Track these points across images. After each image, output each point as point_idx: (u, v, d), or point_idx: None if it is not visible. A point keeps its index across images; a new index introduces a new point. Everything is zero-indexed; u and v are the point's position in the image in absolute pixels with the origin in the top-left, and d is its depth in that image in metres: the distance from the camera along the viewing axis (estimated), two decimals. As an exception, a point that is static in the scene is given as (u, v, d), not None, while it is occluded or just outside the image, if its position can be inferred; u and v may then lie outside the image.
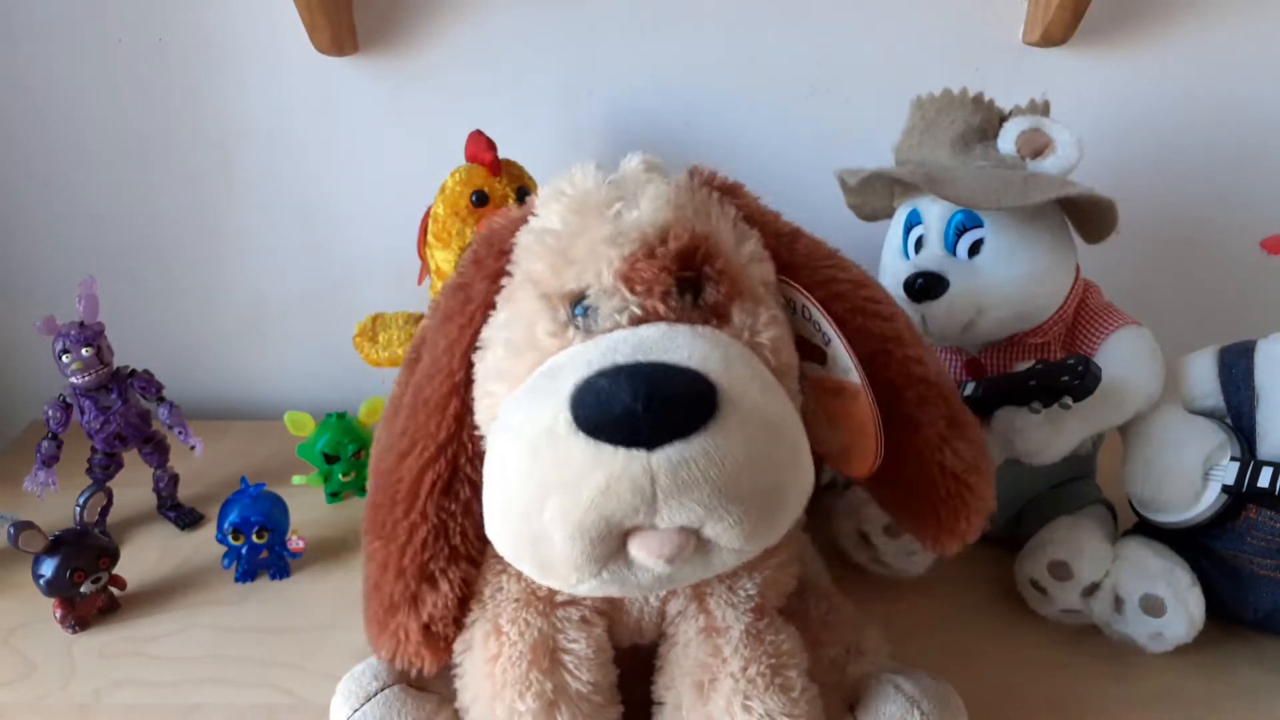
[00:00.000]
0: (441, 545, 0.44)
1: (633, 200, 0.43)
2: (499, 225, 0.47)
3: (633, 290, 0.41)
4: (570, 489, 0.36)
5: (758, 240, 0.46)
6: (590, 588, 0.39)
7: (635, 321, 0.41)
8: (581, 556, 0.37)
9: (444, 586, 0.44)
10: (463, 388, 0.44)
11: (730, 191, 0.48)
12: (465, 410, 0.44)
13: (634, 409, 0.35)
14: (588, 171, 0.45)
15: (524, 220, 0.46)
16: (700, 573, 0.41)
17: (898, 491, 0.50)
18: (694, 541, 0.38)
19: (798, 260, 0.47)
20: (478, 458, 0.44)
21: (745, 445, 0.37)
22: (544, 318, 0.42)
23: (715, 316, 0.42)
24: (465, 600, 0.46)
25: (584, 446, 0.36)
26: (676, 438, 0.36)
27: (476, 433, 0.44)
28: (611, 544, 0.37)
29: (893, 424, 0.46)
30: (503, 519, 0.39)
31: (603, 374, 0.37)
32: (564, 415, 0.37)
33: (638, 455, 0.35)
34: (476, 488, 0.43)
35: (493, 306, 0.45)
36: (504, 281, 0.45)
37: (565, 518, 0.36)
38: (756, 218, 0.47)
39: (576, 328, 0.41)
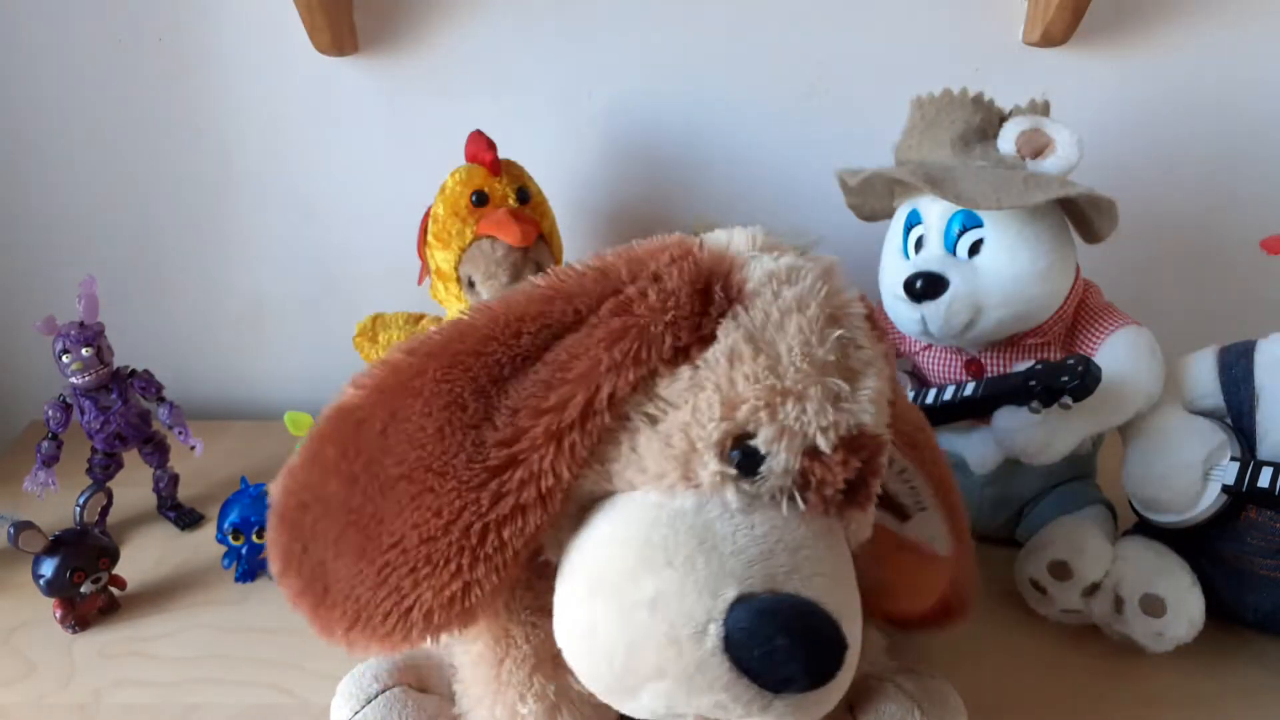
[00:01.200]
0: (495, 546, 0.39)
1: (854, 382, 0.39)
2: (703, 280, 0.40)
3: (807, 479, 0.39)
4: (690, 689, 0.36)
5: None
6: None
7: (792, 499, 0.39)
8: (651, 716, 0.39)
9: (490, 579, 0.38)
10: (592, 425, 0.39)
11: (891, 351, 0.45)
12: (586, 455, 0.40)
13: (800, 680, 0.36)
14: (817, 296, 0.40)
15: (731, 293, 0.40)
16: None
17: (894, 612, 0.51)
18: None
19: (896, 421, 0.44)
20: (565, 497, 0.40)
21: (841, 689, 0.39)
22: (713, 455, 0.38)
23: (845, 513, 0.41)
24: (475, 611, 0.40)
25: (725, 671, 0.36)
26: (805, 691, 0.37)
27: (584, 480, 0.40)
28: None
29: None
30: (600, 660, 0.38)
31: (776, 625, 0.36)
32: (717, 630, 0.36)
33: (766, 694, 0.36)
34: (549, 520, 0.39)
35: (665, 366, 0.40)
36: (685, 367, 0.39)
37: (668, 702, 0.37)
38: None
39: (738, 484, 0.38)
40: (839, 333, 0.40)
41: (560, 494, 0.39)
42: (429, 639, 0.39)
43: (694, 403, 0.39)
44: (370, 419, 0.41)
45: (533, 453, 0.38)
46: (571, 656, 0.40)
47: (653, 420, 0.39)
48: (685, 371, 0.39)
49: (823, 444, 0.38)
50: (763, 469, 0.38)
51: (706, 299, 0.40)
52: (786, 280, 0.40)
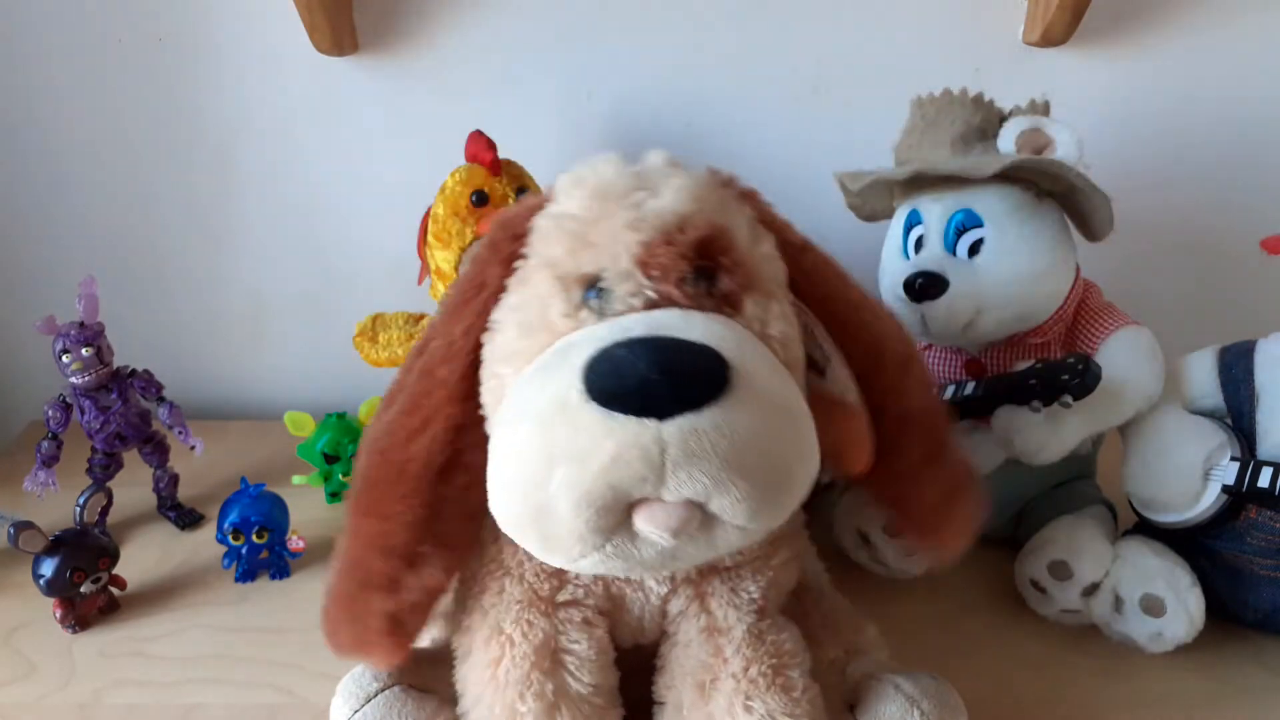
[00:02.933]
0: (431, 529, 0.44)
1: (654, 190, 0.43)
2: (516, 211, 0.47)
3: (649, 275, 0.41)
4: (580, 458, 0.36)
5: (772, 242, 0.46)
6: (593, 562, 0.39)
7: (649, 306, 0.41)
8: (586, 527, 0.37)
9: (425, 571, 0.44)
10: (474, 370, 0.44)
11: (745, 197, 0.48)
12: (474, 394, 0.44)
13: (649, 378, 0.36)
14: (610, 161, 0.45)
15: (540, 207, 0.46)
16: (704, 552, 0.40)
17: (888, 505, 0.51)
18: (699, 517, 0.38)
19: (802, 274, 0.47)
20: (478, 443, 0.43)
21: (754, 421, 0.37)
22: (558, 299, 0.42)
23: (728, 306, 0.42)
24: (436, 591, 0.45)
25: (596, 416, 0.36)
26: (688, 409, 0.36)
27: (480, 413, 0.44)
28: (617, 515, 0.37)
29: (877, 443, 0.47)
30: (509, 491, 0.39)
31: (619, 345, 0.37)
32: (576, 386, 0.37)
33: (649, 424, 0.36)
34: (471, 473, 0.43)
35: (503, 289, 0.45)
36: (518, 265, 0.44)
37: (573, 487, 0.36)
38: (769, 224, 0.47)
39: (590, 309, 0.41)
40: (631, 168, 0.44)
41: (441, 416, 0.44)
42: (399, 628, 0.44)
43: (529, 284, 0.43)
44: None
45: (420, 398, 0.44)
46: (496, 505, 0.40)
47: (513, 309, 0.43)
48: (519, 266, 0.44)
49: (639, 237, 0.41)
50: (604, 284, 0.41)
51: (514, 222, 0.46)
52: (584, 168, 0.45)
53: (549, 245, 0.43)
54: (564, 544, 0.38)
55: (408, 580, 0.43)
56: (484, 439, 0.43)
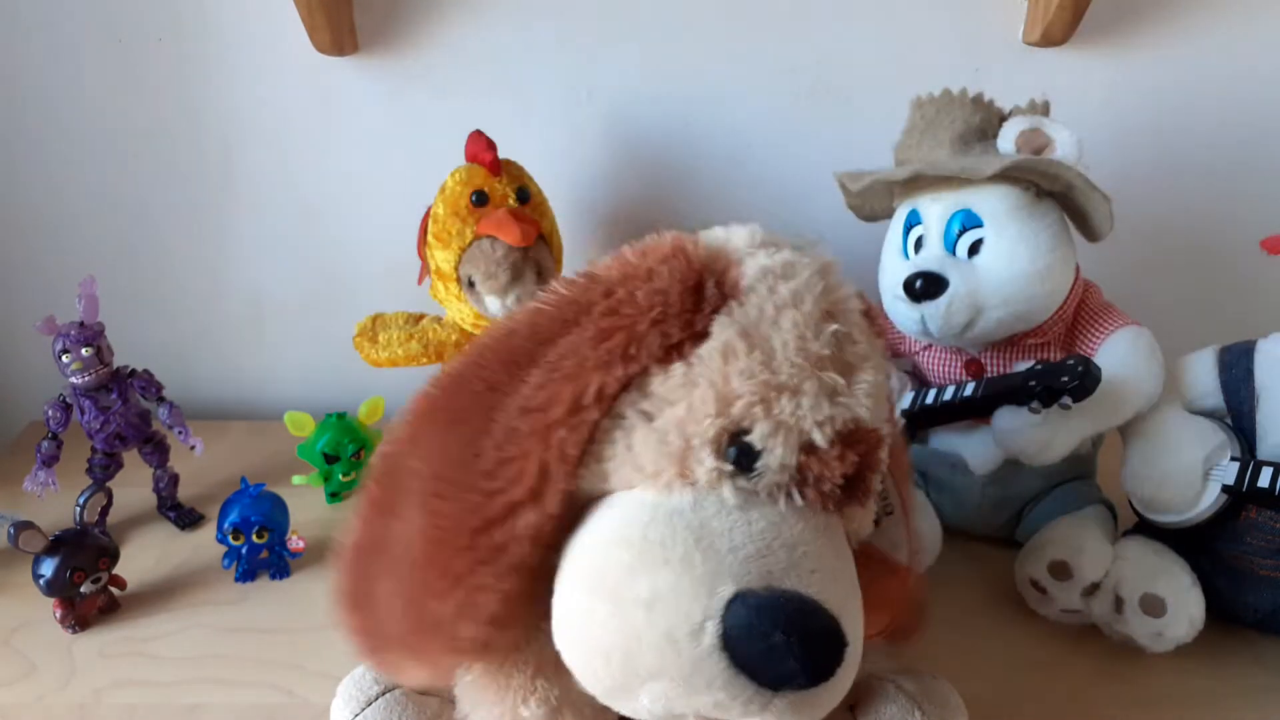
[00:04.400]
0: (531, 607, 0.40)
1: (850, 379, 0.39)
2: (694, 277, 0.40)
3: (804, 474, 0.39)
4: (688, 688, 0.36)
5: (893, 419, 0.43)
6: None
7: (789, 496, 0.39)
8: (652, 718, 0.39)
9: (497, 584, 0.38)
10: (590, 432, 0.39)
11: (880, 333, 0.44)
12: (577, 453, 0.39)
13: (798, 677, 0.36)
14: (814, 292, 0.40)
15: (726, 291, 0.40)
16: None
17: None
18: None
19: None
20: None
21: (846, 687, 0.38)
22: (708, 450, 0.38)
23: (842, 510, 0.41)
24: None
25: (723, 670, 0.36)
26: (804, 689, 0.36)
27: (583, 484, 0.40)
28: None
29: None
30: (598, 661, 0.38)
31: (774, 622, 0.35)
32: (714, 628, 0.36)
33: (767, 694, 0.36)
34: (558, 523, 0.39)
35: (652, 364, 0.39)
36: (678, 364, 0.39)
37: (666, 702, 0.37)
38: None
39: (734, 481, 0.38)
40: (834, 327, 0.39)
41: (554, 493, 0.38)
42: (466, 656, 0.41)
43: (689, 399, 0.38)
44: (399, 453, 0.41)
45: (520, 451, 0.38)
46: (570, 657, 0.39)
47: (648, 417, 0.39)
48: (679, 368, 0.39)
49: (819, 439, 0.38)
50: (759, 465, 0.38)
51: (699, 295, 0.40)
52: (782, 276, 0.40)
53: (729, 379, 0.38)
54: (629, 712, 0.39)
55: (494, 639, 0.40)
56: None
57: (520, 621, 0.40)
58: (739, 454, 0.38)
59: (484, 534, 0.38)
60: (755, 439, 0.38)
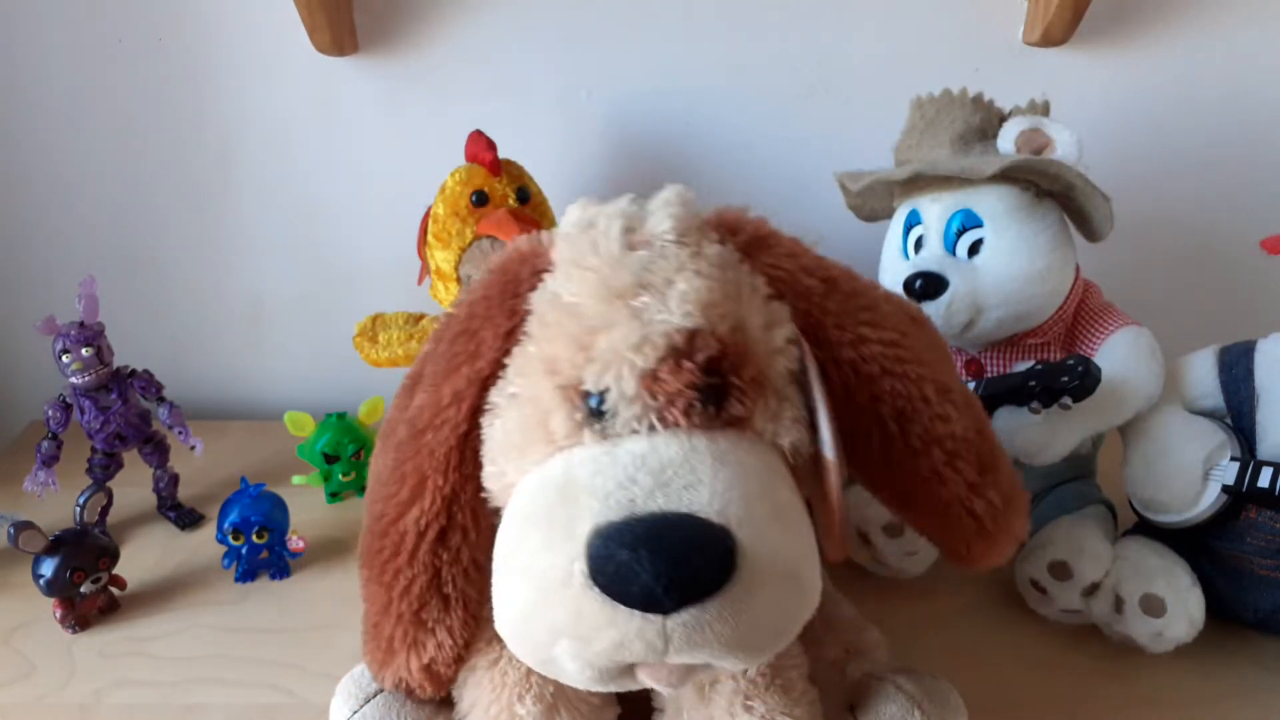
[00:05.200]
0: (433, 595, 0.44)
1: (661, 293, 0.39)
2: (513, 272, 0.44)
3: (654, 398, 0.39)
4: (583, 639, 0.36)
5: (789, 322, 0.43)
6: (601, 690, 0.41)
7: (654, 424, 0.39)
8: (591, 681, 0.38)
9: (440, 635, 0.44)
10: (465, 439, 0.43)
11: (761, 247, 0.44)
12: (466, 459, 0.43)
13: (654, 590, 0.35)
14: (611, 232, 0.41)
15: (538, 268, 0.43)
16: (708, 677, 0.44)
17: (933, 531, 0.49)
18: (700, 668, 0.39)
19: (829, 318, 0.44)
20: (476, 507, 0.43)
21: (760, 603, 0.36)
22: (559, 412, 0.40)
23: (735, 426, 0.40)
24: (466, 646, 0.45)
25: (599, 605, 0.36)
26: (694, 605, 0.35)
27: (483, 494, 0.43)
28: (622, 670, 0.38)
29: (922, 479, 0.46)
30: (513, 639, 0.39)
31: (623, 543, 0.35)
32: (580, 566, 0.36)
33: (654, 619, 0.35)
34: (467, 535, 0.43)
35: (502, 365, 0.42)
36: (516, 347, 0.42)
37: (576, 657, 0.37)
38: (787, 280, 0.44)
39: (592, 428, 0.39)
40: (638, 254, 0.40)
41: (431, 491, 0.43)
42: (435, 676, 0.45)
43: (528, 373, 0.41)
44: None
45: (404, 459, 0.43)
46: (503, 635, 0.40)
47: (514, 400, 0.41)
48: (518, 350, 0.42)
49: (643, 361, 0.38)
50: (606, 406, 0.39)
51: (517, 283, 0.43)
52: (582, 232, 0.42)
53: (549, 341, 0.40)
54: (570, 681, 0.39)
55: (426, 642, 0.44)
56: (477, 497, 0.43)
57: (442, 626, 0.44)
58: (590, 405, 0.39)
59: (385, 535, 0.43)
60: (590, 384, 0.39)
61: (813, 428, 0.43)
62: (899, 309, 0.47)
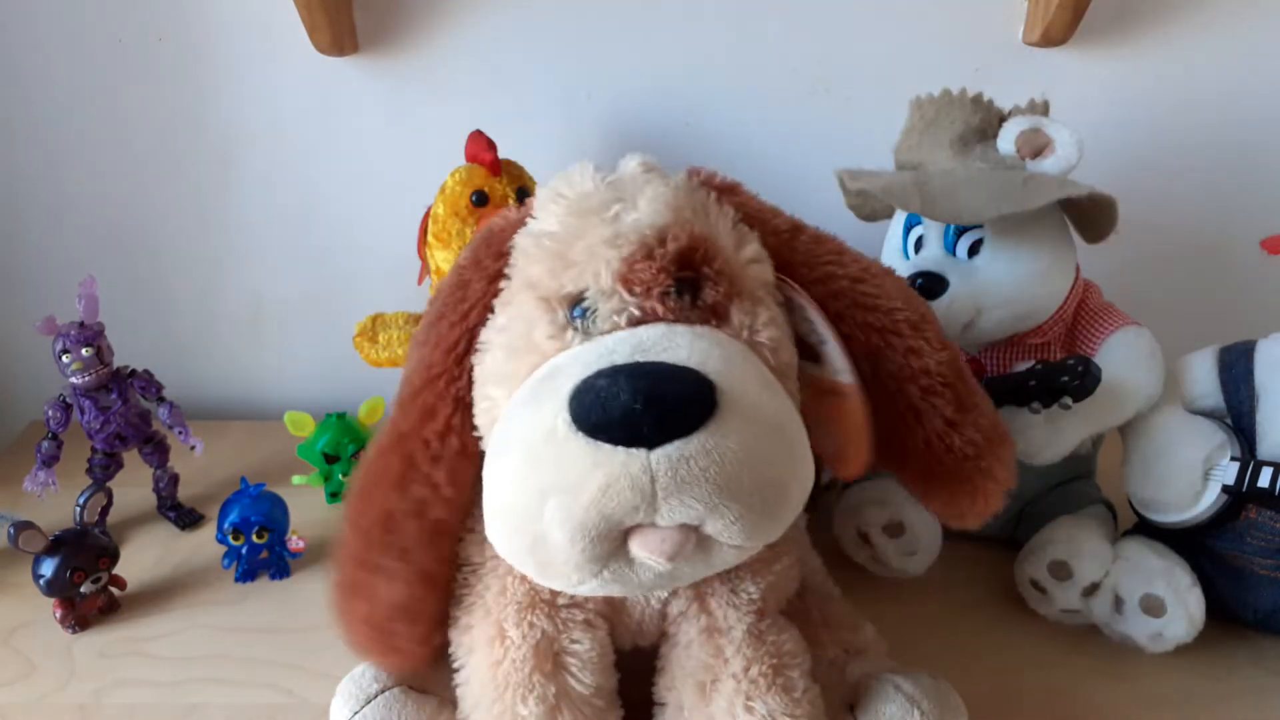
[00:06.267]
0: (430, 595, 0.46)
1: (631, 202, 0.43)
2: (498, 226, 0.47)
3: (631, 292, 0.41)
4: (570, 490, 0.36)
5: (757, 242, 0.46)
6: (592, 588, 0.39)
7: (634, 323, 0.41)
8: (582, 556, 0.37)
9: (381, 584, 0.45)
10: (454, 388, 0.44)
11: (728, 191, 0.48)
12: (456, 412, 0.44)
13: (632, 408, 0.35)
14: (585, 173, 0.45)
15: (522, 222, 0.46)
16: (701, 570, 0.41)
17: (914, 476, 0.50)
18: (695, 539, 0.38)
19: (797, 258, 0.47)
20: (465, 459, 0.44)
21: (744, 442, 0.37)
22: (542, 321, 0.42)
23: (714, 316, 0.42)
24: (403, 605, 0.45)
25: (583, 447, 0.36)
26: (676, 436, 0.36)
27: (475, 434, 0.44)
28: (612, 542, 0.37)
29: (899, 416, 0.46)
30: (503, 522, 0.39)
31: (601, 374, 0.37)
32: (563, 416, 0.37)
33: (637, 454, 0.36)
34: (437, 490, 0.44)
35: (490, 309, 0.45)
36: (502, 284, 0.45)
37: (566, 518, 0.36)
38: (755, 217, 0.47)
39: (575, 330, 0.41)
40: (602, 178, 0.44)
41: (419, 407, 0.44)
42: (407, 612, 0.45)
43: (513, 304, 0.43)
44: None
45: (416, 399, 0.45)
46: (493, 533, 0.41)
47: (501, 331, 0.43)
48: (504, 285, 0.45)
49: (618, 254, 0.41)
50: (586, 303, 0.41)
51: (496, 239, 0.46)
52: (560, 182, 0.45)
53: (530, 265, 0.43)
54: (561, 572, 0.38)
55: (378, 588, 0.45)
56: (468, 456, 0.44)
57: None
58: (572, 313, 0.42)
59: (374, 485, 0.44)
60: (570, 286, 0.42)
61: (816, 359, 0.45)
62: (865, 259, 0.49)
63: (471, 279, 0.46)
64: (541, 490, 0.37)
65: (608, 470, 0.36)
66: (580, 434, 0.36)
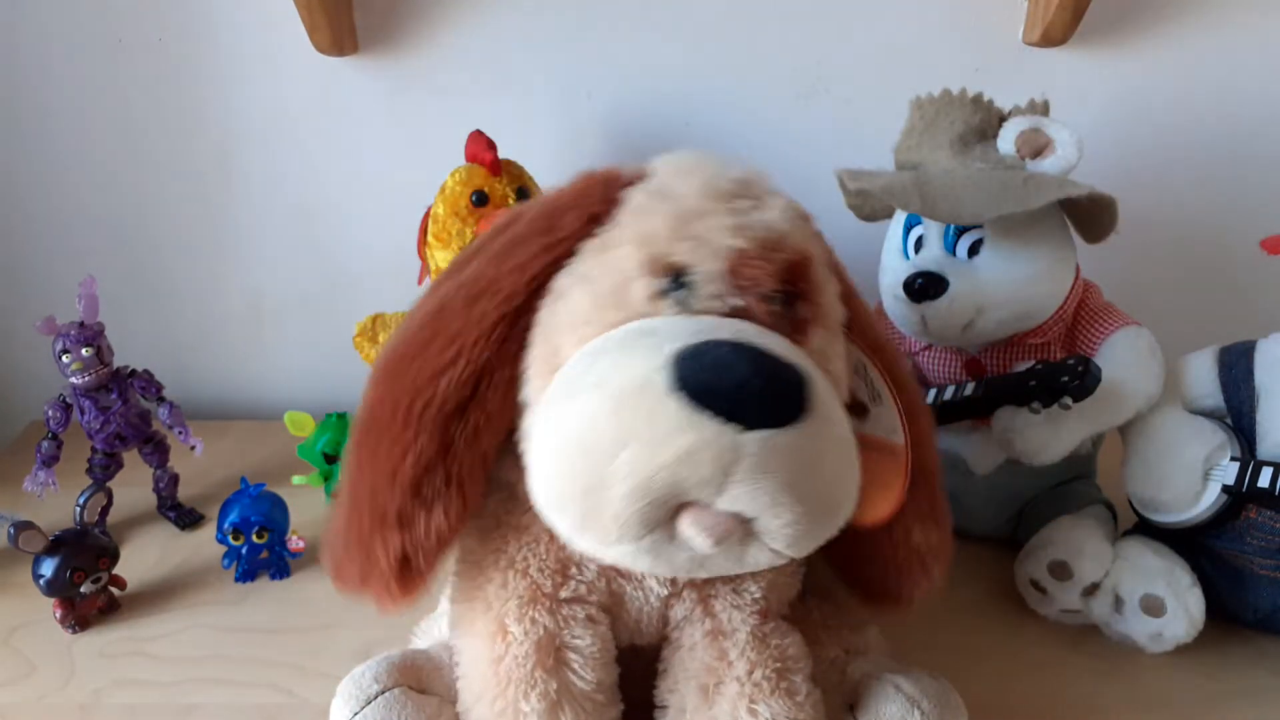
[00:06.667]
0: (438, 468, 0.42)
1: (760, 202, 0.43)
2: (617, 173, 0.46)
3: (737, 283, 0.41)
4: (651, 445, 0.36)
5: (837, 285, 0.47)
6: (623, 552, 0.39)
7: (727, 313, 0.41)
8: (635, 516, 0.37)
9: (437, 512, 0.42)
10: (516, 315, 0.43)
11: (818, 238, 0.48)
12: (509, 338, 0.43)
13: (750, 381, 0.36)
14: (716, 159, 0.45)
15: (637, 176, 0.45)
16: (731, 567, 0.41)
17: (857, 556, 0.50)
18: (741, 532, 0.38)
19: (853, 318, 0.48)
20: (507, 392, 0.43)
21: (823, 448, 0.38)
22: (643, 280, 0.41)
23: (799, 334, 0.42)
24: (449, 538, 0.43)
25: (680, 407, 0.36)
26: (772, 425, 0.36)
27: (521, 367, 0.43)
28: (666, 512, 0.37)
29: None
30: (562, 461, 0.38)
31: (720, 344, 0.37)
32: (666, 373, 0.36)
33: (731, 430, 0.35)
34: (487, 413, 0.43)
35: (572, 253, 0.44)
36: (599, 231, 0.43)
37: (635, 472, 0.36)
38: (834, 266, 0.48)
39: (671, 301, 0.41)
40: (738, 171, 0.44)
41: (477, 367, 0.42)
42: (409, 570, 0.42)
43: (614, 250, 0.42)
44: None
45: (450, 326, 0.43)
46: (545, 472, 0.39)
47: (583, 280, 0.42)
48: (601, 232, 0.43)
49: (737, 242, 0.41)
50: (689, 278, 0.41)
51: (612, 183, 0.45)
52: (683, 158, 0.46)
53: (647, 221, 0.42)
54: (606, 527, 0.37)
55: (419, 516, 0.42)
56: (506, 380, 0.43)
57: (440, 503, 0.42)
58: (673, 283, 0.41)
59: (411, 399, 0.42)
60: (681, 257, 0.41)
61: (860, 415, 0.46)
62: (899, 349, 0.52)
63: (568, 210, 0.44)
64: (619, 437, 0.36)
65: (697, 436, 0.35)
66: (680, 393, 0.36)
